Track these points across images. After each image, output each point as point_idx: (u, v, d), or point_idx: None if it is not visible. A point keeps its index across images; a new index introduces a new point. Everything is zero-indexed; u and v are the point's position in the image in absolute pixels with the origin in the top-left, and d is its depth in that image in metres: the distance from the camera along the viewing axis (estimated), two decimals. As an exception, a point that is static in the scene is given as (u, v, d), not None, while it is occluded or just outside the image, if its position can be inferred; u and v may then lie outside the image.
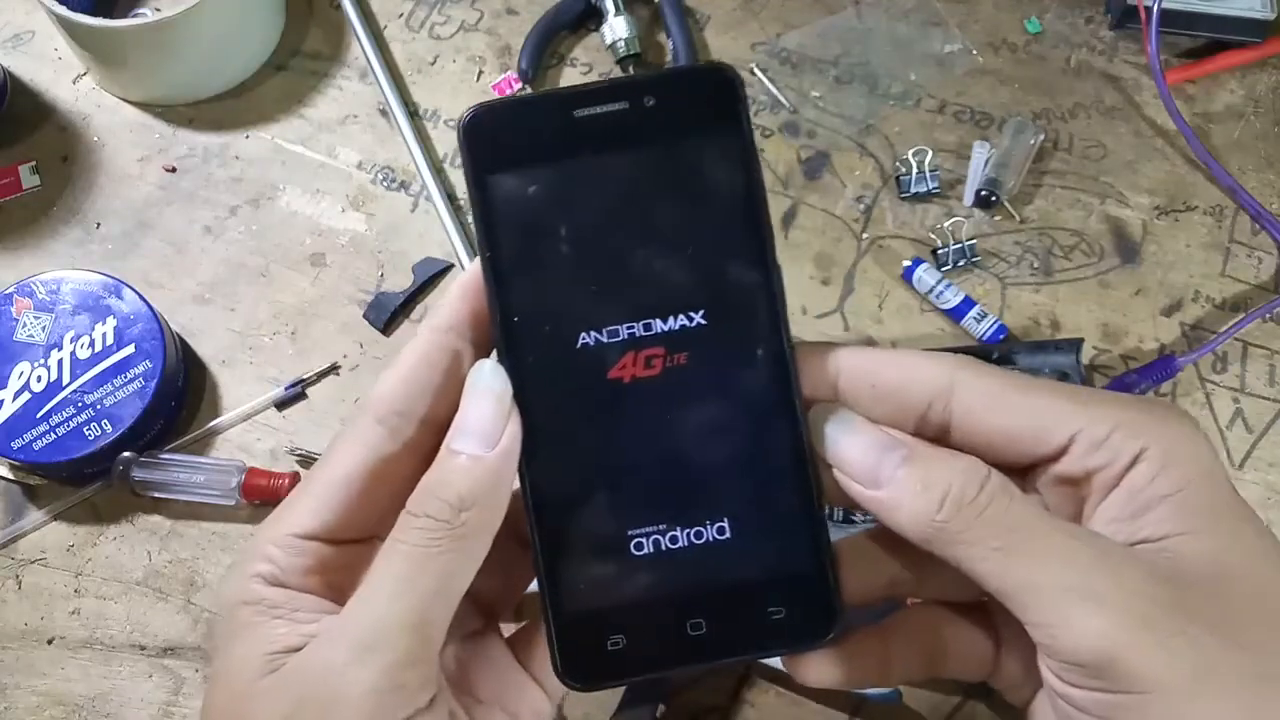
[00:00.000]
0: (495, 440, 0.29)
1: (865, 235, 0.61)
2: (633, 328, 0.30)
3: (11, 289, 0.56)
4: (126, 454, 0.53)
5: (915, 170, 0.61)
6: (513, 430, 0.30)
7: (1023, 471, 0.31)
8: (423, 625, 0.29)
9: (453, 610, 0.30)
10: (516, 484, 0.31)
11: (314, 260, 0.61)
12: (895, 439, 0.30)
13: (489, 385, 0.30)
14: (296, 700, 0.28)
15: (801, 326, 0.59)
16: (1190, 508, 0.29)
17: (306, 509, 0.31)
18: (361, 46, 0.66)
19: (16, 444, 0.53)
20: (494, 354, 0.31)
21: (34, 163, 0.63)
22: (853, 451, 0.30)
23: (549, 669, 0.32)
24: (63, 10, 0.60)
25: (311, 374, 0.58)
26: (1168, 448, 0.29)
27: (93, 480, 0.55)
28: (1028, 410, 0.30)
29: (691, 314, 0.30)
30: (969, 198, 0.61)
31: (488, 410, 0.30)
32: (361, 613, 0.29)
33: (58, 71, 0.67)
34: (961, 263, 0.59)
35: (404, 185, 0.63)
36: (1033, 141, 0.62)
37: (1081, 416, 0.29)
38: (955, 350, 0.56)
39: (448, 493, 0.29)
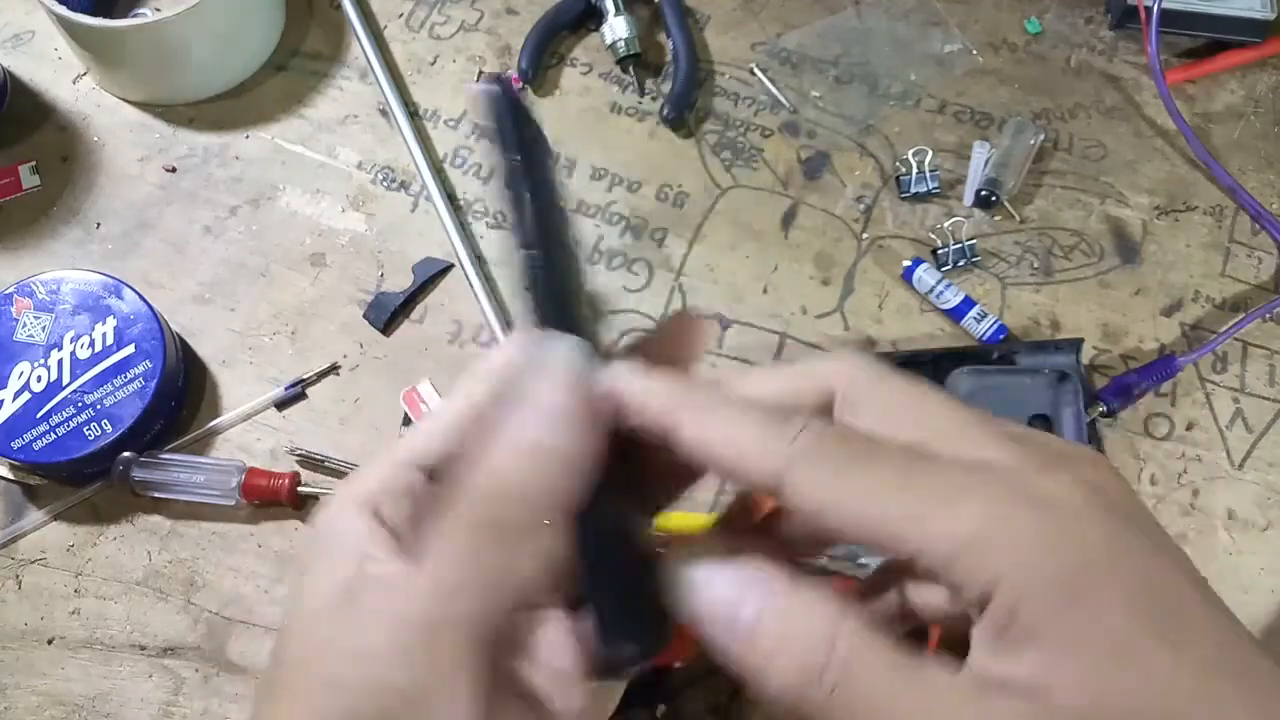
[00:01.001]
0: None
1: (865, 235, 0.61)
2: None
3: (11, 289, 0.56)
4: (126, 454, 0.53)
5: (915, 170, 0.61)
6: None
7: None
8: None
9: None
10: None
11: (314, 260, 0.61)
12: (749, 579, 0.26)
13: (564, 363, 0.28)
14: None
15: (801, 326, 0.59)
16: (1066, 647, 0.22)
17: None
18: (361, 46, 0.66)
19: (16, 444, 0.53)
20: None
21: (34, 163, 0.63)
22: (703, 596, 0.26)
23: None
24: (63, 10, 0.60)
25: (311, 374, 0.58)
26: (1030, 574, 0.22)
27: (93, 480, 0.55)
28: (856, 522, 0.25)
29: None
30: (969, 198, 0.61)
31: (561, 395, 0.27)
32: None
33: (58, 71, 0.67)
34: (961, 263, 0.59)
35: (404, 185, 0.63)
36: (1033, 141, 0.62)
37: (916, 533, 0.24)
38: (955, 350, 0.56)
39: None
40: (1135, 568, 0.23)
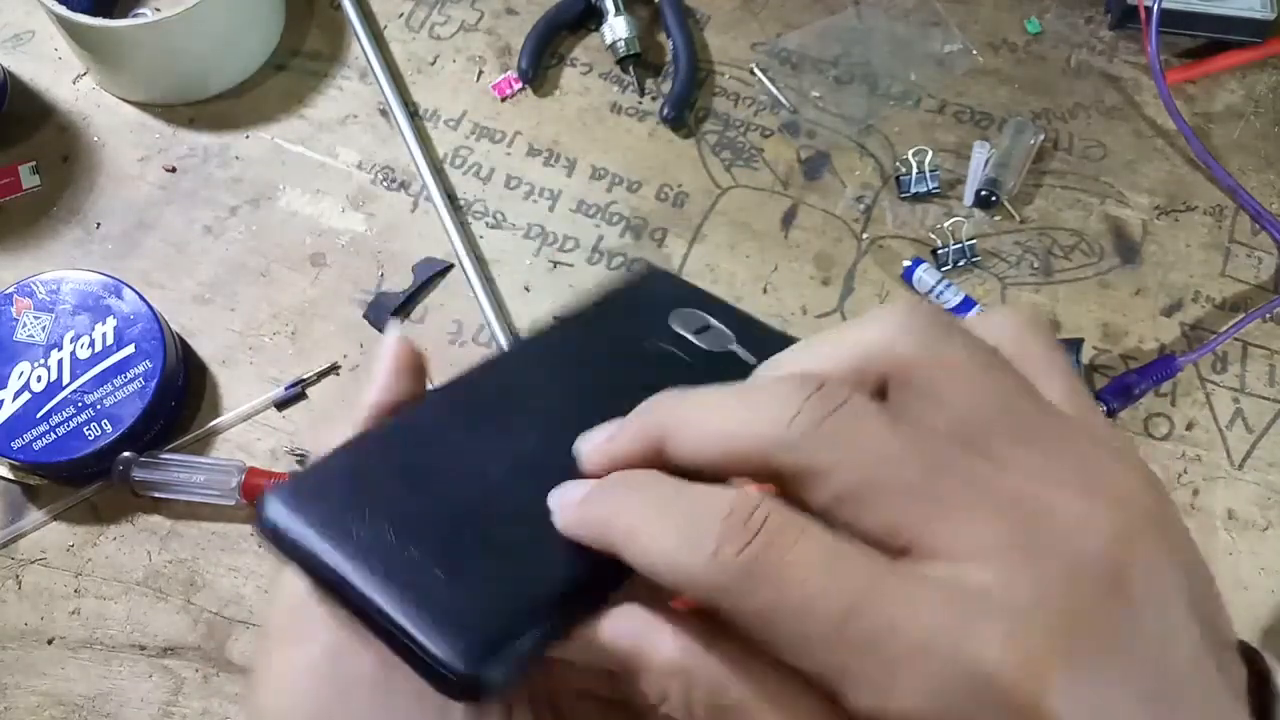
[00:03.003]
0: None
1: (865, 235, 0.61)
2: None
3: (11, 289, 0.56)
4: (126, 454, 0.53)
5: (915, 170, 0.61)
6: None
7: None
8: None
9: None
10: None
11: (314, 260, 0.61)
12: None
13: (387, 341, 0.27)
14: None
15: (802, 326, 0.59)
16: None
17: None
18: (361, 46, 0.66)
19: (16, 444, 0.53)
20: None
21: (34, 163, 0.63)
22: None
23: None
24: (63, 10, 0.60)
25: (311, 374, 0.58)
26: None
27: (93, 480, 0.55)
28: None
29: None
30: (969, 198, 0.61)
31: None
32: None
33: (58, 71, 0.67)
34: (961, 263, 0.59)
35: (404, 185, 0.63)
36: (1033, 141, 0.62)
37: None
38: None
39: None
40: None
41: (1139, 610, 0.20)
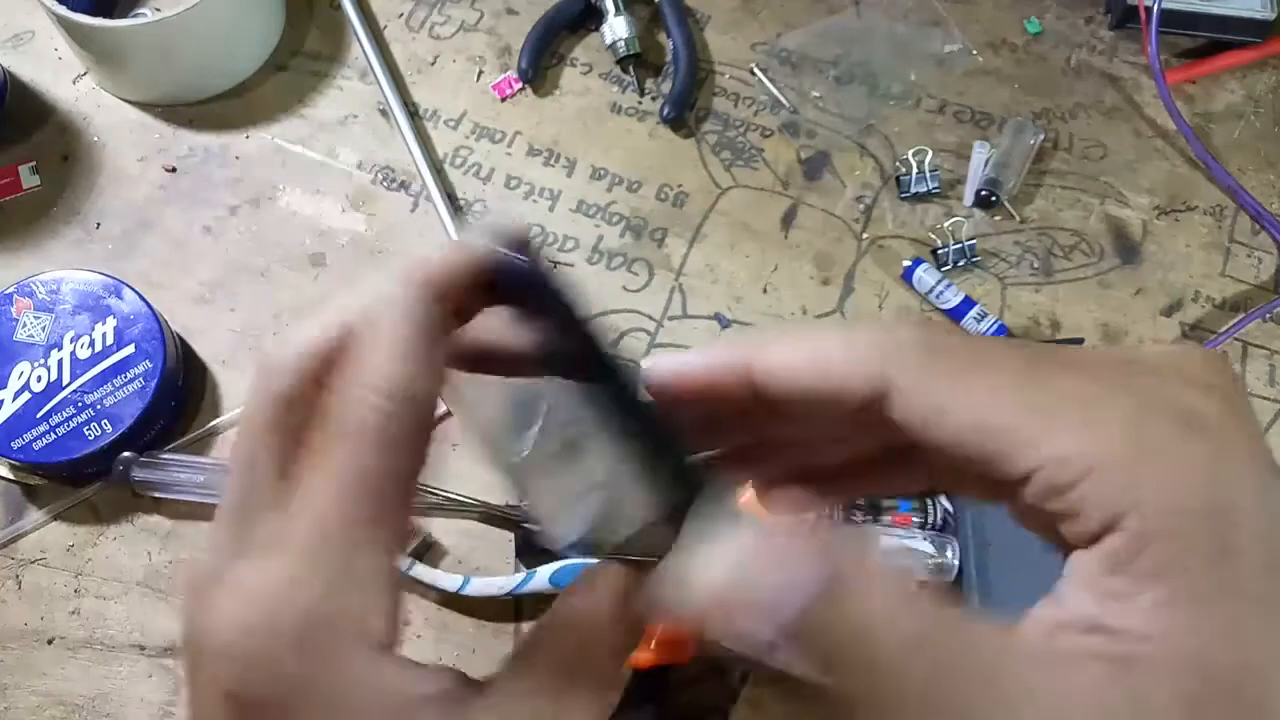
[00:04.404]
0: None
1: (865, 235, 0.61)
2: None
3: (11, 289, 0.56)
4: (126, 454, 0.53)
5: (915, 170, 0.61)
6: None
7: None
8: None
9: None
10: None
11: (314, 260, 0.61)
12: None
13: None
14: None
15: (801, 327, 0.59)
16: (1206, 596, 0.19)
17: None
18: (361, 46, 0.66)
19: (16, 444, 0.53)
20: None
21: (34, 163, 0.63)
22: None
23: None
24: (63, 10, 0.60)
25: (311, 374, 0.58)
26: (1156, 511, 0.19)
27: (93, 480, 0.55)
28: (974, 430, 0.21)
29: None
30: (969, 198, 0.61)
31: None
32: None
33: (58, 71, 0.67)
34: (961, 263, 0.59)
35: (404, 185, 0.63)
36: (1033, 141, 0.62)
37: (1039, 449, 0.20)
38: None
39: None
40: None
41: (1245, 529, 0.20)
